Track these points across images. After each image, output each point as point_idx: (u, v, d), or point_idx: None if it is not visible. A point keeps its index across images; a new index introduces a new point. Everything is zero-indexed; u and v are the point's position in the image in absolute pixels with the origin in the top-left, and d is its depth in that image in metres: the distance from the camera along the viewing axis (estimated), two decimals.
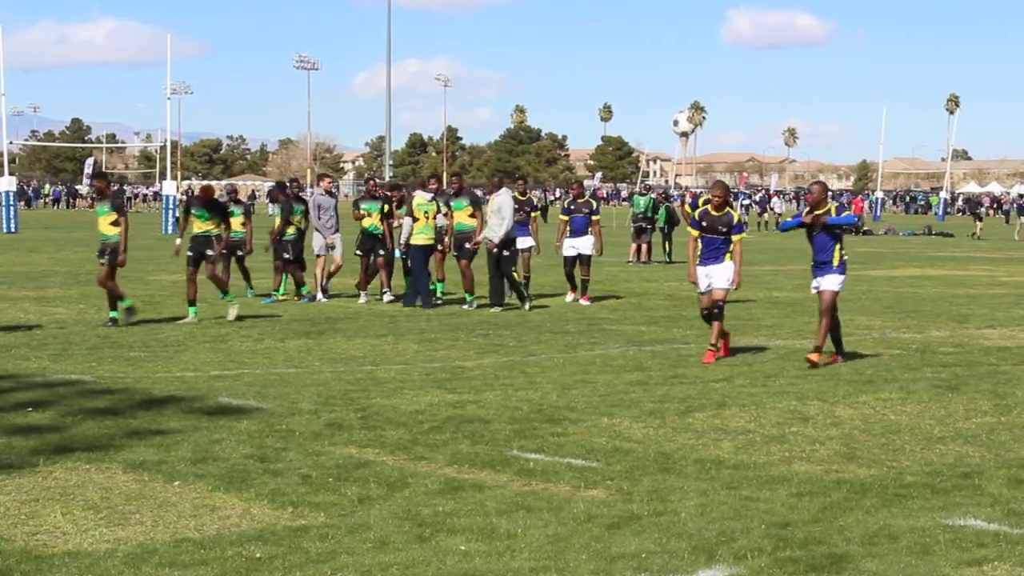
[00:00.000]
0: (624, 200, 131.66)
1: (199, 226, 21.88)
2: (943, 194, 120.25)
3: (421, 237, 24.94)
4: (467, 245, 24.60)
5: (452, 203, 24.91)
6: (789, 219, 18.59)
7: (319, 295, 25.78)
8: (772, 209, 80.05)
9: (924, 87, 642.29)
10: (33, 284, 29.06)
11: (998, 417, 13.36)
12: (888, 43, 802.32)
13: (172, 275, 25.36)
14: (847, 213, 18.10)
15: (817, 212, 17.29)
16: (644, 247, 41.32)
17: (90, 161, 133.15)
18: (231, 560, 8.01)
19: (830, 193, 17.31)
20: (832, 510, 9.34)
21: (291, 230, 25.99)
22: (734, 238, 17.76)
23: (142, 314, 21.86)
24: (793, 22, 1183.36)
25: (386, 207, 25.46)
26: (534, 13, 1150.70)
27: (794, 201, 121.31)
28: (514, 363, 16.97)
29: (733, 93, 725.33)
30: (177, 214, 58.00)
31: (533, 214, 26.73)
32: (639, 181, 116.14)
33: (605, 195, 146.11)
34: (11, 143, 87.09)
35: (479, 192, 30.10)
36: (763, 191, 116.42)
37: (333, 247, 26.07)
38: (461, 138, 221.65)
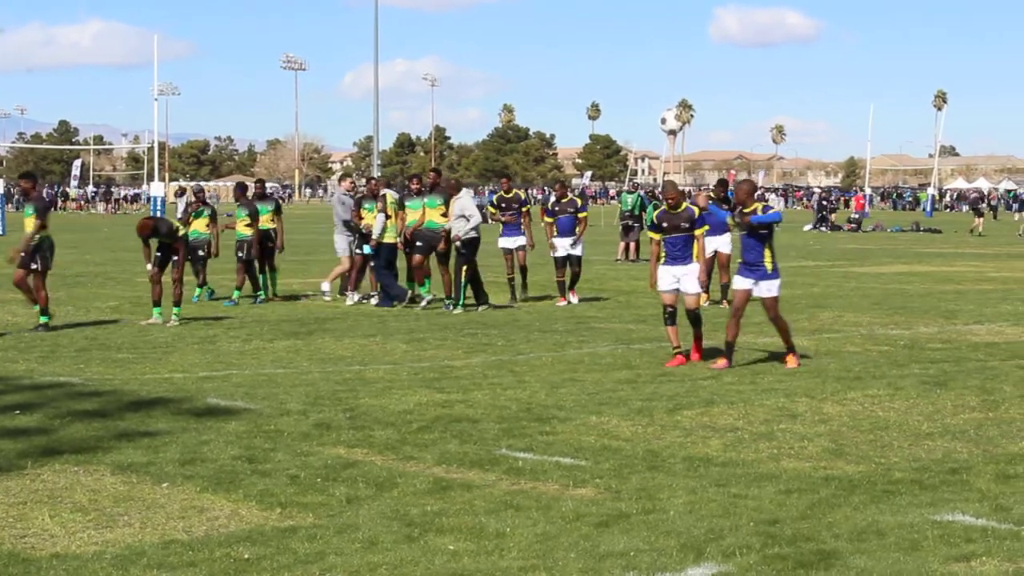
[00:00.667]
0: (612, 198, 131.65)
1: (162, 240, 21.52)
2: (931, 190, 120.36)
3: (390, 236, 24.80)
4: (438, 246, 24.24)
5: (426, 200, 24.58)
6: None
7: (351, 295, 25.27)
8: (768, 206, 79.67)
9: (912, 84, 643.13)
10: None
11: (986, 413, 13.38)
12: (876, 40, 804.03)
13: (164, 277, 25.30)
14: (774, 211, 17.53)
15: (745, 211, 16.94)
16: (632, 245, 41.31)
17: (77, 163, 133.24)
18: (219, 561, 8.00)
19: (758, 193, 16.69)
20: (820, 507, 9.35)
21: (249, 231, 25.66)
22: (697, 233, 17.26)
23: (132, 316, 21.78)
24: (781, 20, 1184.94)
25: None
26: (523, 13, 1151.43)
27: (782, 199, 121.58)
28: (503, 362, 16.97)
29: (721, 91, 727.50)
30: (180, 215, 57.83)
31: (524, 209, 26.48)
32: (627, 179, 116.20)
33: (594, 193, 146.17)
34: None
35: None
36: (761, 190, 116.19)
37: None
38: (449, 137, 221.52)
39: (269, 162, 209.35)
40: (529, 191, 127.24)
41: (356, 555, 8.12)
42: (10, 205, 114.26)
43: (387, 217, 24.81)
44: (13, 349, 18.04)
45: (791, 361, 16.73)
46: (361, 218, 25.43)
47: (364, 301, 24.97)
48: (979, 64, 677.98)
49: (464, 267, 23.80)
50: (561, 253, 25.65)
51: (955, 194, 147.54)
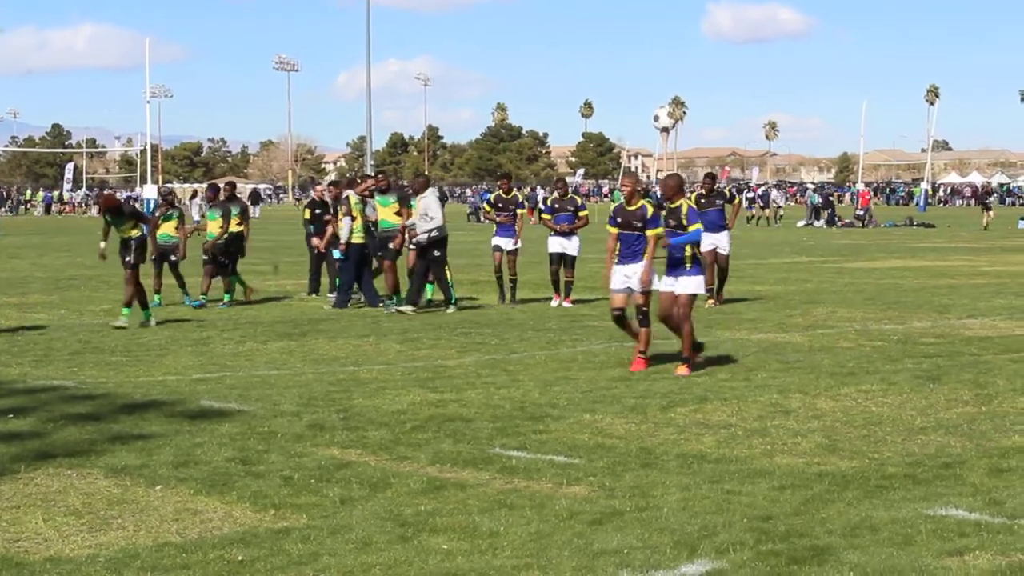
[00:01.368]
0: (606, 196, 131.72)
1: (121, 233, 21.49)
2: (924, 185, 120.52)
3: (356, 237, 24.41)
4: (391, 245, 24.13)
5: (378, 200, 24.39)
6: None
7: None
8: (775, 203, 79.40)
9: (904, 79, 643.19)
10: (14, 290, 28.96)
11: (979, 407, 13.39)
12: (868, 36, 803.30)
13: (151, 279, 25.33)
14: (696, 228, 16.17)
15: (670, 206, 16.34)
16: None
17: (70, 166, 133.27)
18: (213, 563, 8.00)
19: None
20: (814, 502, 9.36)
21: (217, 231, 25.35)
22: (648, 233, 16.23)
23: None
24: (774, 16, 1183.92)
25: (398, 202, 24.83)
26: (516, 12, 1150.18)
27: (782, 193, 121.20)
28: (496, 361, 16.97)
29: (714, 88, 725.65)
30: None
31: (520, 211, 26.08)
32: (620, 177, 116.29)
33: (587, 191, 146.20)
34: None
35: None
36: (765, 186, 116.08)
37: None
38: (442, 137, 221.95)
39: (262, 163, 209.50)
40: (523, 189, 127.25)
41: (350, 556, 8.12)
42: (3, 208, 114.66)
43: (352, 219, 24.51)
44: (6, 353, 18.02)
45: (682, 369, 15.83)
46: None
47: (361, 304, 24.76)
48: (971, 59, 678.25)
49: (440, 267, 23.48)
50: (557, 249, 25.10)
51: (948, 189, 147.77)
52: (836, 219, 73.69)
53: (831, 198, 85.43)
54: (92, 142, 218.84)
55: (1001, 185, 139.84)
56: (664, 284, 16.33)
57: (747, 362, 16.75)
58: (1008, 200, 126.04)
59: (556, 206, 25.41)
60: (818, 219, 74.70)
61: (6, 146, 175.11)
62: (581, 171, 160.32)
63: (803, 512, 9.08)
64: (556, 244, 25.12)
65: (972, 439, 11.75)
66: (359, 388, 14.77)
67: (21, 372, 16.25)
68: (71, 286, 29.87)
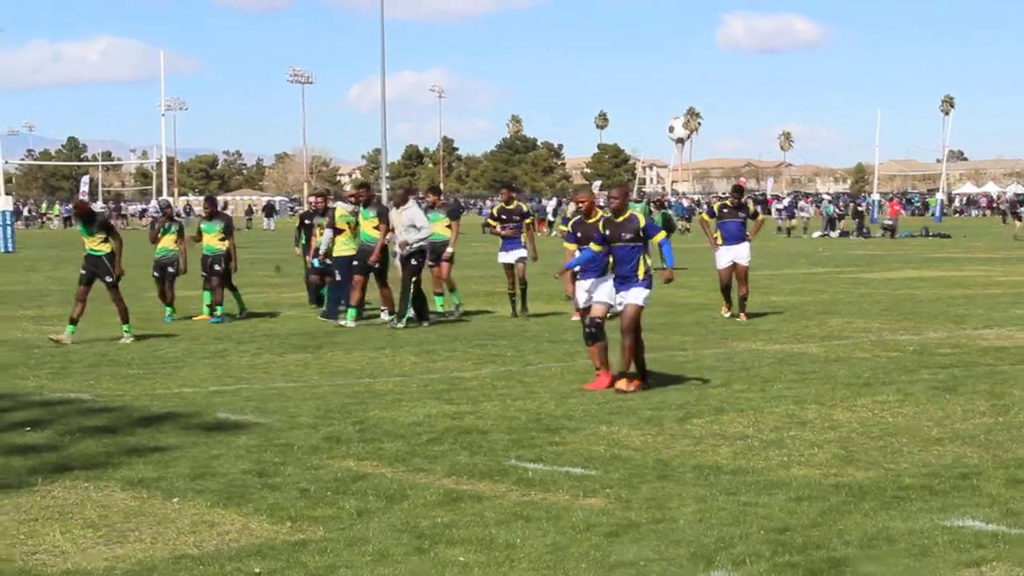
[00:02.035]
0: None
1: (87, 243, 21.26)
2: (940, 195, 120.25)
3: (345, 249, 24.15)
4: (368, 259, 23.55)
5: (361, 212, 23.96)
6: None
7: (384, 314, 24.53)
8: (801, 213, 78.99)
9: (919, 89, 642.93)
10: (30, 303, 29.06)
11: (996, 417, 13.36)
12: (882, 45, 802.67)
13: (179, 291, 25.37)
14: (661, 236, 16.14)
15: (618, 220, 15.74)
16: None
17: (85, 179, 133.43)
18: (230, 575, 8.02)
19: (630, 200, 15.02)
20: (831, 514, 9.34)
21: (223, 244, 25.06)
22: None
23: (141, 330, 21.79)
24: (788, 26, 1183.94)
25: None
26: (529, 23, 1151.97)
27: (812, 204, 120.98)
28: (512, 373, 16.97)
29: (729, 98, 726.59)
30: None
31: (526, 221, 25.64)
32: (635, 188, 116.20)
33: (602, 203, 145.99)
34: (7, 163, 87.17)
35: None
36: (791, 196, 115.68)
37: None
38: (457, 149, 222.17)
39: (278, 176, 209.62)
40: (539, 200, 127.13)
41: (366, 568, 8.13)
42: (19, 222, 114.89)
43: (337, 232, 24.21)
44: (23, 366, 18.07)
45: (624, 384, 15.30)
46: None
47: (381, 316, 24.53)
48: (986, 68, 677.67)
49: (412, 279, 23.16)
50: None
51: (964, 199, 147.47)
52: (866, 230, 73.42)
53: (860, 208, 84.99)
54: (107, 155, 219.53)
55: (1017, 195, 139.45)
56: (602, 294, 15.75)
57: (763, 373, 16.72)
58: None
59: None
60: (833, 230, 74.53)
61: (22, 159, 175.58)
62: (597, 183, 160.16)
63: (820, 524, 9.06)
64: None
65: (989, 450, 11.72)
66: (375, 400, 14.78)
67: (38, 384, 16.29)
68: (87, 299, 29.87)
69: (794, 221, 77.73)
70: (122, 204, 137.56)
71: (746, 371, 16.88)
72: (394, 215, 23.53)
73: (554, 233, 28.08)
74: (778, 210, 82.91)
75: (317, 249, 25.20)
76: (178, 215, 25.59)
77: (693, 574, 7.95)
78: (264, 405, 14.44)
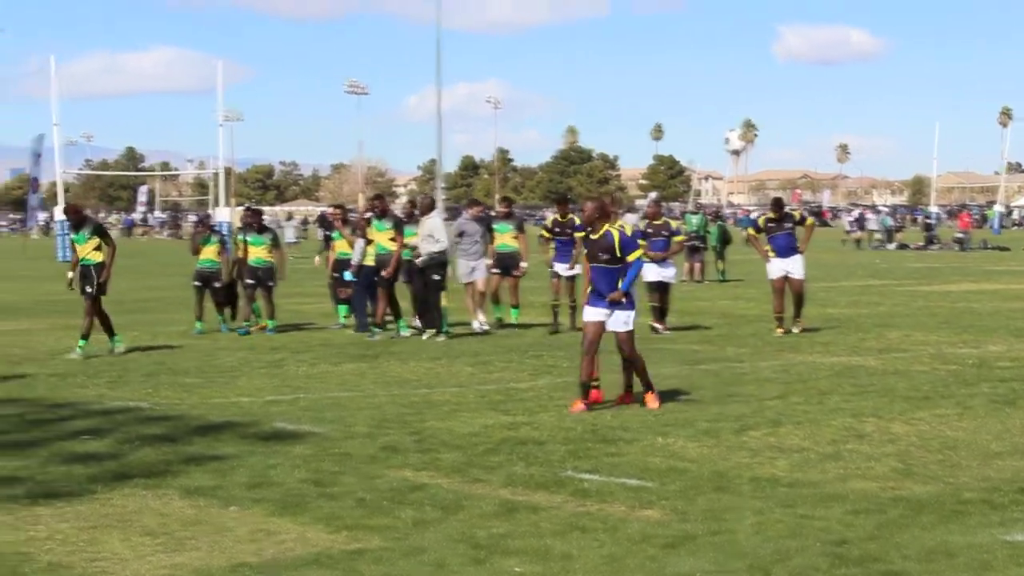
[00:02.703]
0: (677, 219, 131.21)
1: (79, 251, 20.95)
2: (998, 207, 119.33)
3: (368, 259, 23.94)
4: (383, 272, 23.26)
5: (375, 224, 23.78)
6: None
7: (476, 323, 24.25)
8: (866, 226, 78.36)
9: (976, 101, 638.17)
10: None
11: None
12: (940, 58, 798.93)
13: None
14: (638, 254, 15.18)
15: (592, 237, 15.15)
16: (697, 266, 41.35)
17: (143, 189, 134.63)
18: None
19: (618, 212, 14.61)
20: (889, 527, 9.28)
21: (271, 256, 25.02)
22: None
23: (197, 341, 21.90)
24: (845, 37, 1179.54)
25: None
26: (584, 34, 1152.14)
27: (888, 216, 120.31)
28: (568, 384, 16.94)
29: (785, 109, 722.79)
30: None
31: (578, 235, 25.24)
32: (691, 200, 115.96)
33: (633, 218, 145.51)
34: (65, 172, 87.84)
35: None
36: (859, 209, 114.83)
37: (475, 271, 24.72)
38: (512, 159, 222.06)
39: (333, 186, 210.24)
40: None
41: None
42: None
43: (368, 242, 23.93)
44: (83, 375, 18.22)
45: (650, 400, 15.13)
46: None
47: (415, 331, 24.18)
48: None
49: (437, 292, 23.03)
50: (653, 277, 23.62)
51: (1023, 211, 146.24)
52: (936, 241, 72.81)
53: (930, 221, 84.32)
54: (165, 165, 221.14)
55: None
56: (594, 313, 15.24)
57: (820, 385, 16.63)
58: None
59: (649, 231, 23.81)
60: (891, 242, 74.06)
61: (80, 169, 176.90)
62: (652, 194, 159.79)
63: (878, 537, 9.01)
64: (653, 272, 23.54)
65: None
66: (432, 410, 14.81)
67: (97, 393, 16.42)
68: (144, 308, 30.14)
69: (861, 233, 76.79)
70: (178, 215, 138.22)
71: (803, 383, 16.80)
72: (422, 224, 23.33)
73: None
74: (849, 222, 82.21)
75: (343, 260, 25.06)
76: (255, 226, 25.16)
77: None
78: (321, 415, 14.49)
